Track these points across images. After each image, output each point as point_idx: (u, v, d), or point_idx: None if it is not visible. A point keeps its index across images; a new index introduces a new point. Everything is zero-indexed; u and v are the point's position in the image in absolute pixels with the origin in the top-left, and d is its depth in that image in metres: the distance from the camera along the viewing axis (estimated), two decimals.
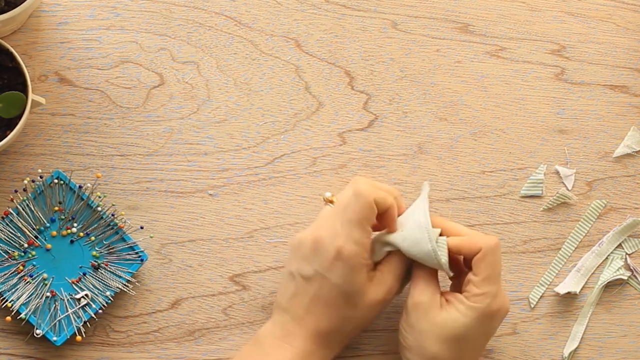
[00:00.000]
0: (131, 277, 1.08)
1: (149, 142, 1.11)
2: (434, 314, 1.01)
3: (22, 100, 1.03)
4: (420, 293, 1.02)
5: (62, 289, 1.07)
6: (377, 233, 1.05)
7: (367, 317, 1.04)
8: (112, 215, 1.08)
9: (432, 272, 1.04)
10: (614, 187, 1.15)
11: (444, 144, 1.14)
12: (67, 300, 1.07)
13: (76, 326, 1.06)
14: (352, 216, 1.02)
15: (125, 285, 1.08)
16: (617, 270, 1.13)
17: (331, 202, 1.04)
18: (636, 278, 1.14)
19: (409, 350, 1.03)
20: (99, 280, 1.07)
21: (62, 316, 1.06)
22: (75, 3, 1.12)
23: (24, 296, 1.06)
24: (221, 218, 1.11)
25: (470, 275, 1.02)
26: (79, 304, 1.07)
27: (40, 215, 1.07)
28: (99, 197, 1.09)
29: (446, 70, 1.15)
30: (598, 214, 1.14)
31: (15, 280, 1.06)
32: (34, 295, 1.06)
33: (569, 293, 1.13)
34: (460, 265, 1.06)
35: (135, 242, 1.08)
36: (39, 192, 1.07)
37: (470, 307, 1.01)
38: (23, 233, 1.07)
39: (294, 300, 1.03)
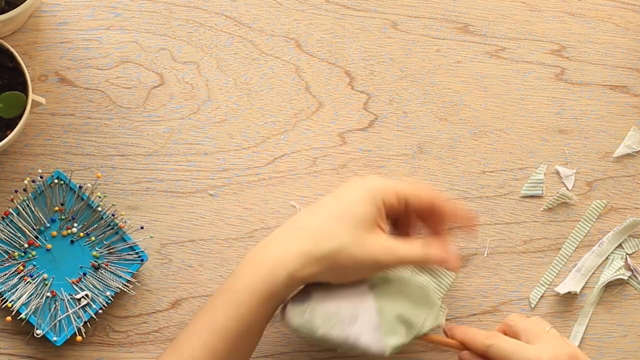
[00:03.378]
0: (131, 277, 1.08)
1: (149, 142, 1.11)
2: None
3: (22, 100, 1.03)
4: None
5: (62, 289, 1.07)
6: None
7: (352, 256, 0.99)
8: (112, 215, 1.08)
9: None
10: (614, 187, 1.15)
11: (444, 144, 1.14)
12: (67, 300, 1.07)
13: (76, 326, 1.06)
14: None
15: (125, 285, 1.07)
16: (618, 270, 1.13)
17: None
18: (636, 278, 1.14)
19: None
20: (99, 280, 1.07)
21: (62, 316, 1.06)
22: (75, 3, 1.12)
23: (24, 296, 1.06)
24: (221, 218, 1.11)
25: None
26: (79, 304, 1.07)
27: (41, 216, 1.07)
28: (99, 197, 1.09)
29: (446, 70, 1.15)
30: (598, 214, 1.14)
31: (15, 280, 1.06)
32: (34, 296, 1.06)
33: (569, 293, 1.13)
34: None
35: (135, 242, 1.08)
36: (39, 192, 1.07)
37: None
38: (23, 233, 1.07)
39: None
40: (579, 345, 1.12)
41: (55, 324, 1.06)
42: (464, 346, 1.04)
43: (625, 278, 1.13)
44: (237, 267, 1.00)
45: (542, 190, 1.14)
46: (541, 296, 1.13)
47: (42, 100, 1.05)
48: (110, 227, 1.08)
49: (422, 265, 1.07)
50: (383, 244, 1.00)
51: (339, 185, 1.04)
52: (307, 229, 1.00)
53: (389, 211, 1.02)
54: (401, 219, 1.05)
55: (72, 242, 1.08)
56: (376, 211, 1.00)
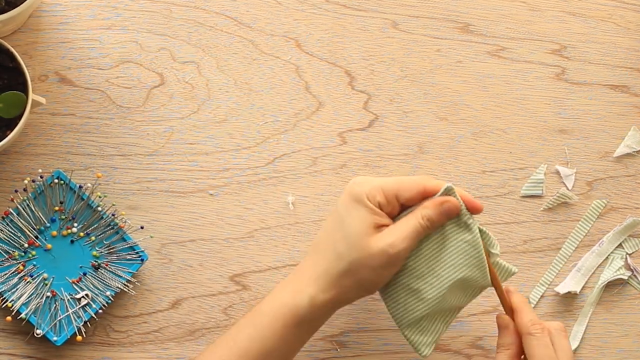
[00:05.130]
0: (131, 277, 1.08)
1: (150, 142, 1.11)
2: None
3: (22, 100, 1.03)
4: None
5: (62, 288, 1.07)
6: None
7: (366, 265, 0.98)
8: (113, 215, 1.08)
9: None
10: (614, 187, 1.15)
11: (445, 143, 1.14)
12: (68, 300, 1.07)
13: (76, 326, 1.06)
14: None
15: (125, 285, 1.08)
16: (618, 270, 1.13)
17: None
18: (636, 278, 1.14)
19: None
20: (99, 280, 1.07)
21: (62, 316, 1.06)
22: (75, 3, 1.12)
23: (24, 296, 1.06)
24: (221, 218, 1.11)
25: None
26: (79, 303, 1.07)
27: (41, 215, 1.07)
28: (100, 197, 1.09)
29: (447, 70, 1.15)
30: (598, 214, 1.14)
31: (15, 280, 1.06)
32: (34, 295, 1.06)
33: (569, 293, 1.13)
34: None
35: (135, 242, 1.08)
36: (39, 192, 1.07)
37: None
38: (23, 233, 1.07)
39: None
40: (579, 345, 1.12)
41: (55, 323, 1.06)
42: (511, 313, 1.02)
43: (625, 278, 1.13)
44: (271, 290, 1.02)
45: (542, 190, 1.14)
46: (541, 296, 1.13)
47: (42, 100, 1.05)
48: (110, 227, 1.08)
49: (435, 224, 1.00)
50: (387, 240, 0.98)
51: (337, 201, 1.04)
52: (318, 254, 1.01)
53: (381, 209, 1.00)
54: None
55: (72, 242, 1.08)
56: (367, 213, 0.99)
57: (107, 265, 1.07)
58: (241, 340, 0.99)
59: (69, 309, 1.06)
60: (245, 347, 0.99)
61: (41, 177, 1.07)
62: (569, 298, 1.13)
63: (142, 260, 1.08)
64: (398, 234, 0.98)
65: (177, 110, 1.12)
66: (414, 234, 0.98)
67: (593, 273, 1.13)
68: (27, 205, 1.07)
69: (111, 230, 1.08)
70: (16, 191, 1.08)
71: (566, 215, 1.14)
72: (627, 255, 1.14)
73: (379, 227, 0.99)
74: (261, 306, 1.00)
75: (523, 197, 1.14)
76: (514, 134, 1.14)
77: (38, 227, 1.07)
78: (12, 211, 1.07)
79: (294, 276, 1.01)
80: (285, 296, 0.99)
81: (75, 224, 1.08)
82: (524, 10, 1.16)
